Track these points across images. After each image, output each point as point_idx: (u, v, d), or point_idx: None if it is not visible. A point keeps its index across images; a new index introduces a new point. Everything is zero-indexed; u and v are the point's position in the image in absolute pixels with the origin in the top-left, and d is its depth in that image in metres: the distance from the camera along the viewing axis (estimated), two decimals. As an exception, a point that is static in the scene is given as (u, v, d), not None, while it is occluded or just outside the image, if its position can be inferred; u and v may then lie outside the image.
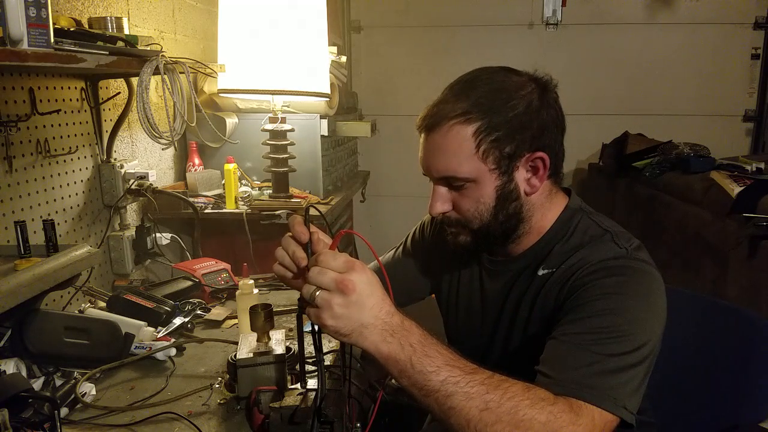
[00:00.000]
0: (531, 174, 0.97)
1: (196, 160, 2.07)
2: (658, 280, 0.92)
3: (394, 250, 1.29)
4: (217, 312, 1.46)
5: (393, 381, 0.81)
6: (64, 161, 1.50)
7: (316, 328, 0.79)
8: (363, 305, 0.74)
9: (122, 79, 1.69)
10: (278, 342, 1.05)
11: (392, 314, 0.76)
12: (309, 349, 1.11)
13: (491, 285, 1.08)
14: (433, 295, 1.24)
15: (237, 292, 1.33)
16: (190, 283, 1.56)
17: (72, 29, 1.22)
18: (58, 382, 1.09)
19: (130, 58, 1.37)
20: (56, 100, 1.45)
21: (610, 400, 0.79)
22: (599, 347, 0.82)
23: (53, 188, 1.46)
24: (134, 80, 1.55)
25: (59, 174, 1.48)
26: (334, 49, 2.55)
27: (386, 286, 0.79)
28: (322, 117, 2.14)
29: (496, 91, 0.94)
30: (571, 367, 0.81)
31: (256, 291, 1.33)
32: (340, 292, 0.74)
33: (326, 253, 0.77)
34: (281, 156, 1.91)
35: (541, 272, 0.99)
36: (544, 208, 1.01)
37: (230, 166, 1.91)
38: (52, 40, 1.03)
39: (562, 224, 1.01)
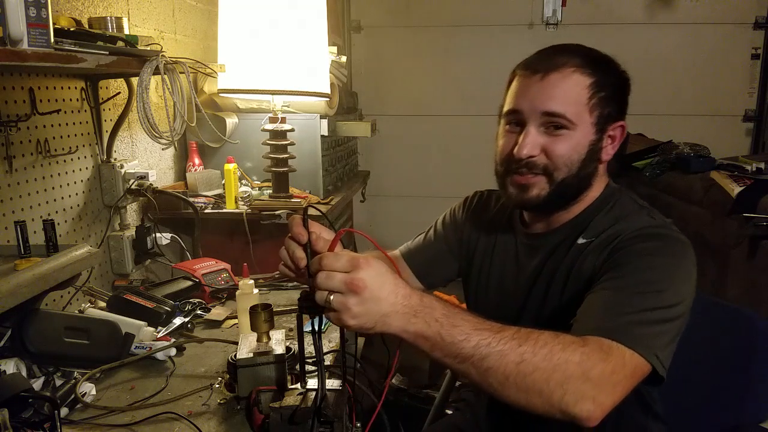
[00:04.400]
0: (609, 142, 1.02)
1: (196, 160, 2.07)
2: (692, 252, 0.94)
3: (424, 234, 1.31)
4: (217, 312, 1.46)
5: (393, 381, 0.81)
6: (64, 161, 1.50)
7: (317, 327, 0.79)
8: (378, 298, 0.74)
9: (122, 79, 1.69)
10: (278, 342, 1.05)
11: (409, 296, 0.76)
12: (309, 349, 1.11)
13: (527, 261, 1.10)
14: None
15: (237, 292, 1.33)
16: (190, 283, 1.56)
17: (72, 29, 1.22)
18: (58, 382, 1.09)
19: (130, 58, 1.37)
20: (56, 100, 1.45)
21: (643, 345, 0.81)
22: (635, 300, 0.85)
23: (53, 188, 1.46)
24: (134, 80, 1.54)
25: (59, 174, 1.48)
26: (334, 49, 2.55)
27: (392, 267, 0.78)
28: (322, 117, 2.14)
29: (599, 56, 1.01)
30: (607, 317, 0.84)
31: (256, 291, 1.33)
32: (353, 292, 0.73)
33: (328, 256, 0.75)
34: (281, 156, 1.91)
35: (580, 241, 1.02)
36: (597, 182, 1.05)
37: (230, 166, 1.91)
38: (52, 40, 1.03)
39: (604, 199, 1.05)
